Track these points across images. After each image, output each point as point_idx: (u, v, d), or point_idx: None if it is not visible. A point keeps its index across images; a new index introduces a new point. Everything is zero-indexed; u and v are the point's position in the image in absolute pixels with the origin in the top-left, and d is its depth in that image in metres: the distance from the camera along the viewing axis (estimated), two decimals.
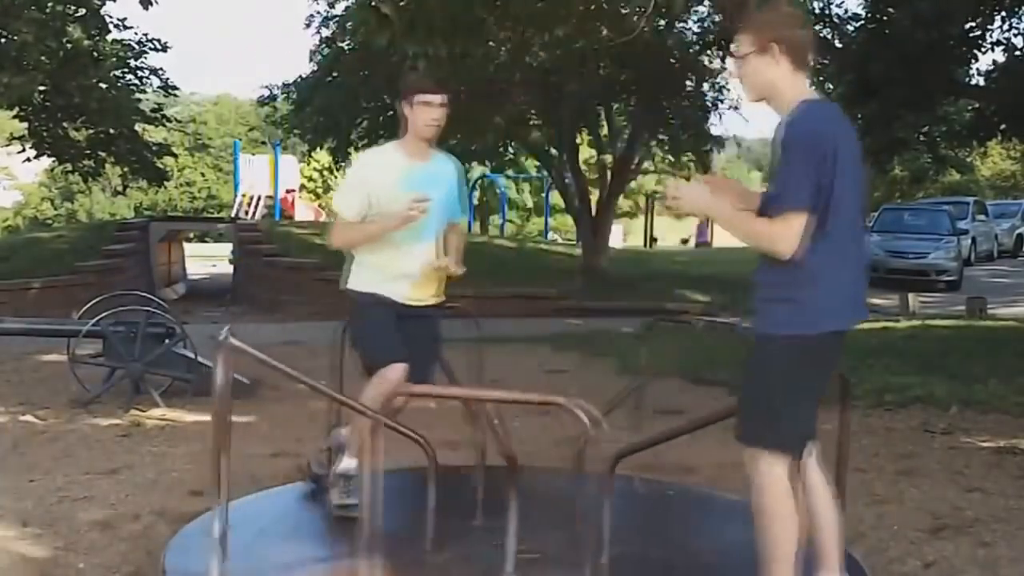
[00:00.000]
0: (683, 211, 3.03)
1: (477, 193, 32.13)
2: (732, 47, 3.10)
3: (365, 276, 4.04)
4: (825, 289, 2.84)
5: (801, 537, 2.88)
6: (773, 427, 2.85)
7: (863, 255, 2.99)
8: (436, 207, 3.96)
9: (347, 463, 3.96)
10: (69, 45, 15.74)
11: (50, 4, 14.86)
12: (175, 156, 25.44)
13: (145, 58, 18.48)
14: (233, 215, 23.63)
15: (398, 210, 3.82)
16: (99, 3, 16.29)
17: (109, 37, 17.43)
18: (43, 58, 14.90)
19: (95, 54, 16.97)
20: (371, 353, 3.97)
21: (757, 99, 3.00)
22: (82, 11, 15.90)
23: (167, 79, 18.81)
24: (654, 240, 33.06)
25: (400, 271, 3.99)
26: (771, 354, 2.87)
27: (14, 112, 17.02)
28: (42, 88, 15.81)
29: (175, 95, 20.94)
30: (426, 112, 3.95)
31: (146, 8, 12.19)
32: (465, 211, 4.29)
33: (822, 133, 2.81)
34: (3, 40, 14.47)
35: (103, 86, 17.07)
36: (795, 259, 2.79)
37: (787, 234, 2.78)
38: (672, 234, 35.55)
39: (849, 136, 2.95)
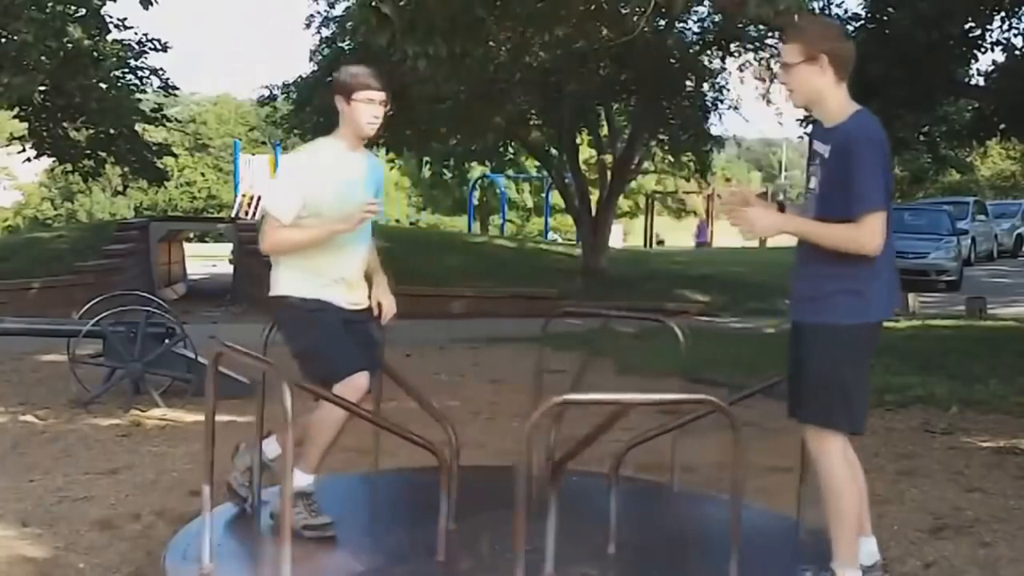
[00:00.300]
0: (757, 235, 3.39)
1: (477, 193, 32.19)
2: (782, 55, 3.30)
3: (303, 281, 3.75)
4: (884, 281, 3.20)
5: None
6: (847, 410, 3.14)
7: (894, 249, 3.30)
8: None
9: (301, 480, 3.63)
10: (70, 45, 15.74)
11: (50, 4, 14.85)
12: (175, 156, 25.43)
13: (145, 58, 18.48)
14: (233, 215, 23.63)
15: (350, 211, 3.66)
16: (99, 3, 16.28)
17: (109, 37, 17.42)
18: (43, 58, 14.88)
19: (95, 54, 16.97)
20: (329, 365, 3.64)
21: (803, 105, 3.32)
22: (82, 11, 15.89)
23: (167, 79, 18.81)
24: (660, 242, 33.06)
25: (340, 274, 3.76)
26: (842, 342, 3.12)
27: (14, 112, 17.02)
28: (42, 88, 15.80)
29: (175, 95, 20.93)
30: (369, 109, 3.83)
31: (146, 8, 12.19)
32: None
33: (884, 139, 3.17)
34: (3, 40, 14.46)
35: (103, 86, 17.06)
36: (868, 255, 3.09)
37: (874, 233, 3.07)
38: (675, 234, 35.55)
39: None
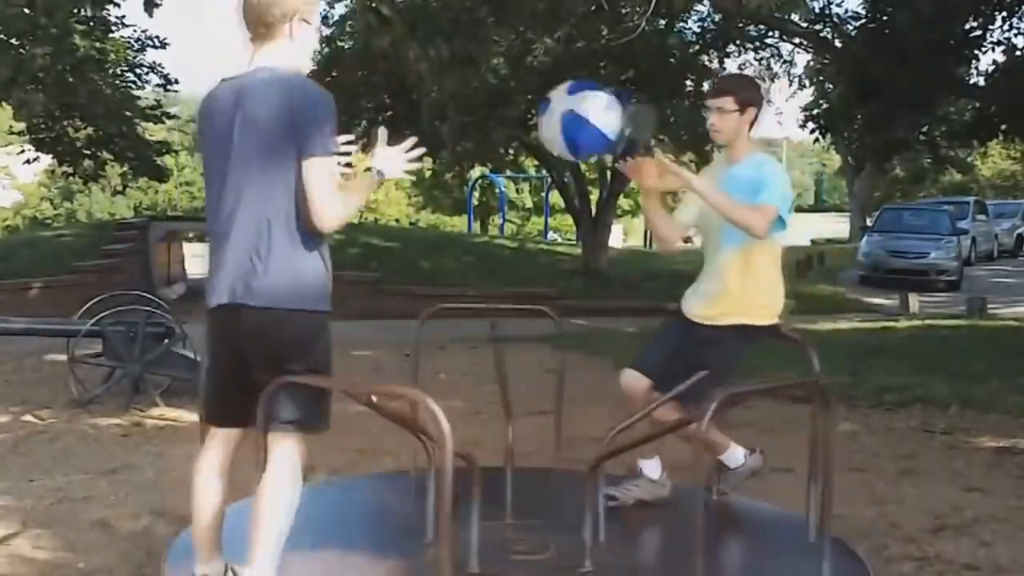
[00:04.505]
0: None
1: (477, 193, 32.17)
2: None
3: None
4: (213, 269, 3.04)
5: None
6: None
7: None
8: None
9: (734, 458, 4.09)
10: (78, 55, 15.75)
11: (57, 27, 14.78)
12: (175, 152, 25.40)
13: (144, 55, 18.50)
14: None
15: None
16: (107, 11, 16.32)
17: (109, 36, 17.44)
18: (57, 70, 14.92)
19: (96, 56, 16.97)
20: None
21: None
22: (90, 21, 15.95)
23: (167, 74, 18.80)
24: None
25: (698, 281, 4.06)
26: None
27: (14, 112, 17.04)
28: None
29: (175, 91, 20.92)
30: (709, 117, 3.97)
31: (150, 14, 12.18)
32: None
33: None
34: (22, 56, 14.44)
35: (107, 90, 17.06)
36: None
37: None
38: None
39: None
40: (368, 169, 2.93)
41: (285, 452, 2.84)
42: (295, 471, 2.86)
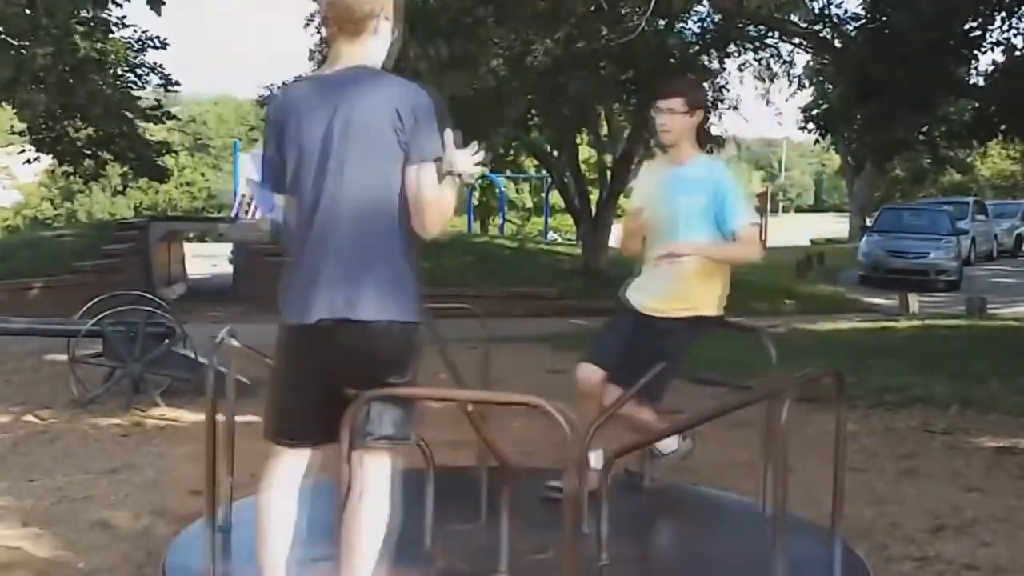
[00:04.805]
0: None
1: (476, 193, 32.15)
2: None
3: (633, 280, 4.26)
4: (295, 279, 2.84)
5: None
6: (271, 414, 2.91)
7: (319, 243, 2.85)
8: (684, 213, 4.10)
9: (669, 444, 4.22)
10: (79, 55, 15.75)
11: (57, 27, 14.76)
12: (176, 153, 25.41)
13: (144, 55, 18.50)
14: (233, 215, 23.62)
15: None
16: (108, 12, 16.32)
17: (110, 36, 17.44)
18: (58, 70, 14.92)
19: (97, 56, 16.98)
20: None
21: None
22: (91, 22, 15.94)
23: (168, 75, 18.79)
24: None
25: (646, 280, 4.20)
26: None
27: (15, 111, 17.05)
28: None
29: (175, 91, 20.93)
30: (655, 118, 4.12)
31: (158, 12, 12.18)
32: (732, 223, 4.19)
33: None
34: (22, 57, 14.44)
35: (108, 91, 17.07)
36: None
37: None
38: None
39: None
40: (449, 173, 2.75)
41: (380, 469, 2.72)
42: (389, 489, 2.74)
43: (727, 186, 3.99)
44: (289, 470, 2.80)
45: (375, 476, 2.71)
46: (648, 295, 4.05)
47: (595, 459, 4.06)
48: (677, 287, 3.97)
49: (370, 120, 2.62)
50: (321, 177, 2.64)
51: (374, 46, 2.74)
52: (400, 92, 2.66)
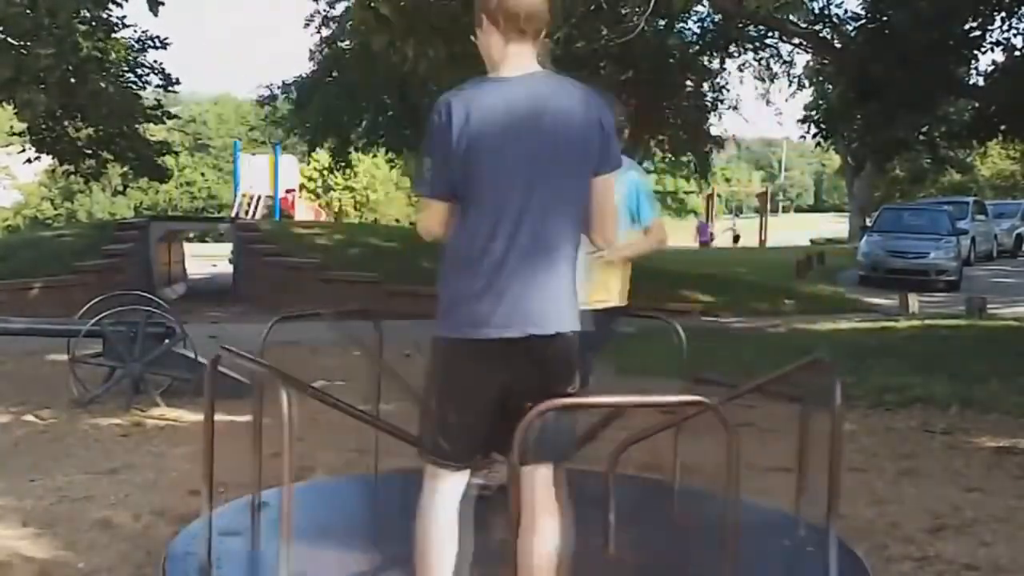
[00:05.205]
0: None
1: None
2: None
3: None
4: (479, 291, 2.66)
5: None
6: (430, 433, 2.72)
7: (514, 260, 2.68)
8: None
9: None
10: (81, 54, 15.76)
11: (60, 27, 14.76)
12: (176, 153, 25.42)
13: (144, 55, 18.50)
14: (233, 215, 23.63)
15: None
16: (108, 12, 16.33)
17: (112, 36, 17.45)
18: (58, 72, 14.93)
19: (99, 56, 16.99)
20: None
21: None
22: (93, 22, 15.95)
23: (168, 74, 18.80)
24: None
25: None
26: (434, 354, 2.73)
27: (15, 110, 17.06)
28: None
29: (175, 91, 20.93)
30: None
31: (155, 13, 12.21)
32: (646, 218, 4.36)
33: (434, 119, 2.73)
34: (24, 57, 14.44)
35: (110, 90, 17.07)
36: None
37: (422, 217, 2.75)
38: (674, 234, 35.51)
39: None
40: None
41: (556, 485, 2.64)
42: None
43: (640, 182, 4.30)
44: (453, 489, 2.66)
45: (552, 493, 2.63)
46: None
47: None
48: (597, 280, 4.13)
49: (575, 131, 2.56)
50: (513, 187, 2.51)
51: (539, 53, 2.66)
52: (597, 102, 2.63)
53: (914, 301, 15.32)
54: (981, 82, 13.39)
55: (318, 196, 45.20)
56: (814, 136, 16.34)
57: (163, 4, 13.22)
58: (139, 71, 18.51)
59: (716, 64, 17.49)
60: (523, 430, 2.37)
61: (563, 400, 2.50)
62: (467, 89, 2.55)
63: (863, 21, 12.80)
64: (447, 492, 2.64)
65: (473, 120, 2.49)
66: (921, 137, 15.32)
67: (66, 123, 17.39)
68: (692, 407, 2.52)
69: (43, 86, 14.94)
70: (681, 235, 34.53)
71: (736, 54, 17.62)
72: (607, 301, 4.25)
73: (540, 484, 2.60)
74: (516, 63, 2.58)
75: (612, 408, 3.40)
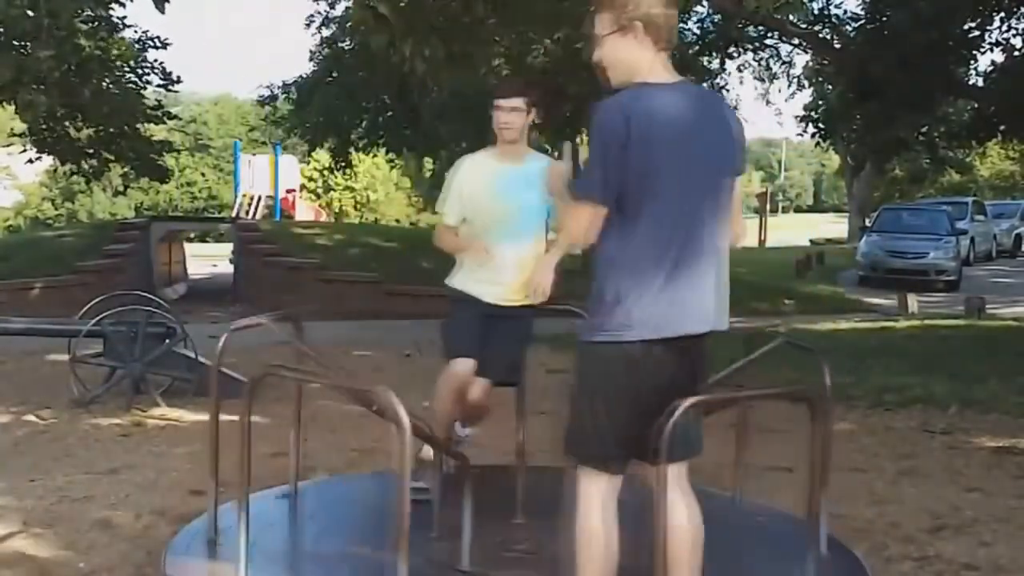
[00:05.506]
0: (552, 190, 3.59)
1: None
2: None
3: (462, 274, 4.25)
4: (653, 295, 2.66)
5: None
6: (591, 444, 2.73)
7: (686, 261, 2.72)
8: (527, 209, 4.16)
9: (425, 449, 4.09)
10: (83, 54, 15.76)
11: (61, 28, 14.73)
12: (178, 152, 25.40)
13: (145, 56, 18.49)
14: (234, 215, 23.64)
15: (500, 217, 4.12)
16: (110, 12, 16.32)
17: (115, 35, 17.45)
18: (57, 73, 14.92)
19: (100, 55, 16.98)
20: (444, 347, 4.23)
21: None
22: (95, 21, 15.94)
23: (169, 73, 18.78)
24: None
25: (492, 272, 4.15)
26: (586, 362, 2.74)
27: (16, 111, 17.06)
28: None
29: (175, 91, 20.92)
30: (498, 116, 4.16)
31: (162, 11, 12.18)
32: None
33: (606, 122, 2.71)
34: (24, 57, 14.43)
35: (114, 90, 17.06)
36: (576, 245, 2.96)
37: (572, 221, 2.79)
38: None
39: None
40: None
41: (687, 479, 2.74)
42: None
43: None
44: (614, 490, 2.70)
45: (688, 488, 2.73)
46: (500, 287, 4.18)
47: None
48: (523, 277, 4.14)
49: (724, 136, 2.69)
50: (685, 190, 2.59)
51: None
52: (729, 108, 2.85)
53: (913, 301, 15.33)
54: (981, 82, 13.41)
55: (318, 196, 45.18)
56: (813, 136, 16.35)
57: (168, 1, 13.19)
58: (140, 71, 18.49)
59: (716, 64, 17.48)
60: (671, 430, 2.48)
61: (713, 396, 2.70)
62: (634, 95, 2.61)
63: (863, 21, 12.81)
64: (609, 494, 2.68)
65: (646, 126, 2.55)
66: (921, 137, 15.32)
67: (67, 123, 17.37)
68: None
69: (42, 87, 14.94)
70: None
71: (736, 54, 17.61)
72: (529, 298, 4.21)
73: (683, 476, 2.70)
74: (663, 72, 2.68)
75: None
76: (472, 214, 4.19)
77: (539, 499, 4.04)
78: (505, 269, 4.14)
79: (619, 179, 2.56)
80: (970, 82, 13.57)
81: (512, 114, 4.15)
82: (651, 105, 2.58)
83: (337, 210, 47.14)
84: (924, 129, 14.82)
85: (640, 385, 2.60)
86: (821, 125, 16.18)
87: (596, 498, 2.66)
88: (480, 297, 4.19)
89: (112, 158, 18.43)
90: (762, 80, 20.17)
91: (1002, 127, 12.88)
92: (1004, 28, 12.34)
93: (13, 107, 15.65)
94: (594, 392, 2.65)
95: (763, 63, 18.89)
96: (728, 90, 18.40)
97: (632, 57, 2.66)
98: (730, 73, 18.20)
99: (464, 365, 4.14)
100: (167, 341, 7.27)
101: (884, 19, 12.10)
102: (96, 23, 16.09)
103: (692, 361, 2.65)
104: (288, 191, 26.94)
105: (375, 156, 26.53)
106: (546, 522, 3.76)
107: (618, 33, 2.66)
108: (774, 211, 51.95)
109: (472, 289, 4.21)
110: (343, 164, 20.35)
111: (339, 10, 17.21)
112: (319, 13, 17.75)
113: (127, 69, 18.22)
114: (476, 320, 4.17)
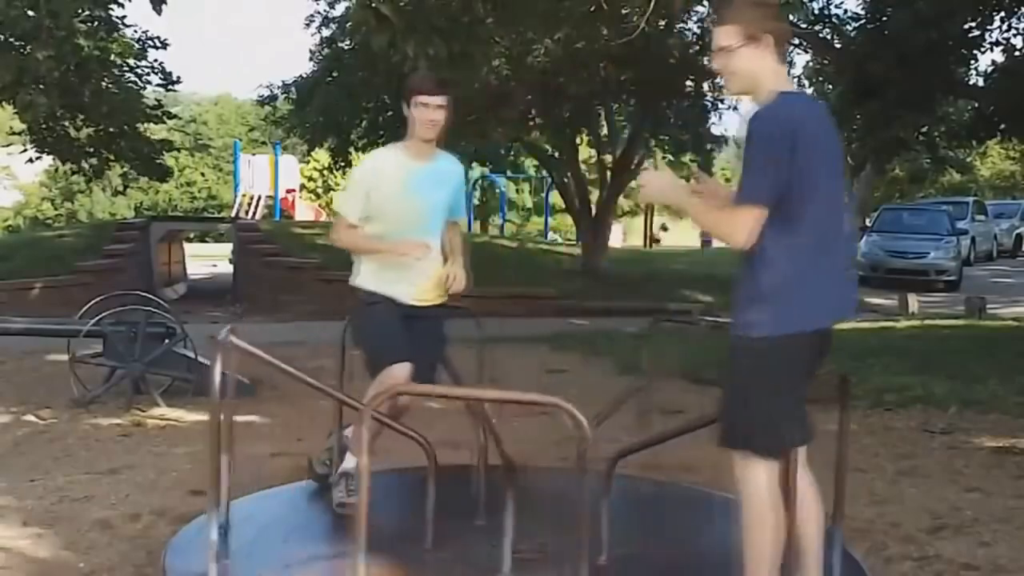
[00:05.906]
0: (648, 200, 3.23)
1: (477, 193, 32.16)
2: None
3: (370, 274, 4.09)
4: (811, 288, 2.85)
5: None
6: (760, 432, 2.86)
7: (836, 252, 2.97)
8: (437, 207, 4.08)
9: (350, 462, 3.98)
10: (83, 53, 15.74)
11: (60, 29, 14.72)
12: (178, 151, 25.38)
13: (145, 56, 18.48)
14: (233, 215, 23.63)
15: (410, 216, 3.99)
16: (110, 12, 16.30)
17: (115, 35, 17.44)
18: (56, 73, 14.91)
19: (100, 55, 16.97)
20: (374, 353, 4.01)
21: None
22: (95, 21, 15.92)
23: (169, 72, 18.77)
24: (656, 241, 33.02)
25: (403, 272, 4.02)
26: (751, 357, 2.88)
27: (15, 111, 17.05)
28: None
29: (175, 91, 20.90)
30: (424, 113, 3.98)
31: (159, 12, 12.19)
32: (463, 212, 4.34)
33: (780, 131, 2.82)
34: (23, 57, 14.42)
35: (114, 90, 17.05)
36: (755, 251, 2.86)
37: (739, 227, 2.79)
38: (672, 234, 35.49)
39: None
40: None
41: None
42: None
43: (463, 180, 4.36)
44: (774, 476, 2.87)
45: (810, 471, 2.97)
46: (416, 288, 4.10)
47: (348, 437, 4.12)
48: (436, 276, 4.11)
49: (839, 143, 3.05)
50: (832, 193, 2.86)
51: None
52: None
53: (914, 301, 15.33)
54: (980, 82, 13.39)
55: (318, 196, 45.16)
56: None
57: (165, 3, 13.18)
58: (140, 71, 18.48)
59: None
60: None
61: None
62: (789, 104, 2.80)
63: (863, 21, 12.80)
64: (773, 479, 2.86)
65: (809, 134, 2.77)
66: (921, 137, 15.31)
67: (66, 123, 17.37)
68: None
69: (43, 87, 14.93)
70: (681, 235, 34.59)
71: None
72: (445, 296, 4.21)
73: (804, 458, 2.92)
74: (785, 82, 2.90)
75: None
76: (379, 212, 4.03)
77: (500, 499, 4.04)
78: (418, 268, 4.03)
79: (785, 183, 2.73)
80: (970, 82, 13.55)
81: (438, 111, 3.99)
82: (806, 114, 2.83)
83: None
84: (924, 129, 14.80)
85: (806, 374, 2.88)
86: None
87: (764, 484, 2.84)
88: (395, 297, 4.06)
89: (112, 157, 18.42)
90: None
91: (1002, 127, 12.86)
92: (1004, 28, 12.32)
93: (13, 108, 15.66)
94: (771, 385, 2.82)
95: None
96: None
97: (759, 67, 2.84)
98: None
99: (404, 370, 3.92)
100: (167, 341, 7.28)
101: (884, 19, 12.09)
102: (95, 23, 16.07)
103: (824, 348, 2.92)
104: (288, 191, 26.92)
105: None
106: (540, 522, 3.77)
107: (750, 45, 2.82)
108: None
109: (386, 290, 4.06)
110: (343, 164, 20.31)
111: (339, 10, 17.19)
112: (319, 13, 17.73)
113: (127, 69, 18.20)
114: (399, 321, 4.03)
